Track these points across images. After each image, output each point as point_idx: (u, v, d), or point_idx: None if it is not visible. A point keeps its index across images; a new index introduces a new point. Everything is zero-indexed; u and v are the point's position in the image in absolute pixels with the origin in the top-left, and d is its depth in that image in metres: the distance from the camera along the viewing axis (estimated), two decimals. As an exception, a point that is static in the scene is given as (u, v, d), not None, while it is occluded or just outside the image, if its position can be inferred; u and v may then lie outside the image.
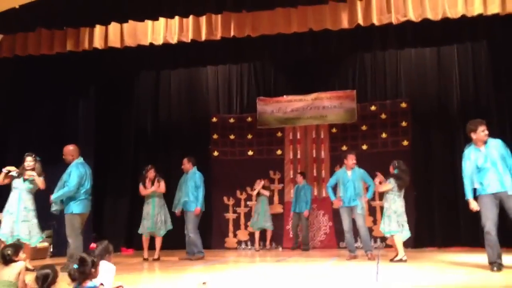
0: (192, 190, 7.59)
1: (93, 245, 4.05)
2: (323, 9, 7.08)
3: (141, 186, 7.94)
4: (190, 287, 4.44)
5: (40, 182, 6.46)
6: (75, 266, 3.53)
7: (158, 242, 7.87)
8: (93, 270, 3.58)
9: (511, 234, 7.19)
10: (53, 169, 6.77)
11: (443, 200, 8.93)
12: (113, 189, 9.66)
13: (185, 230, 7.68)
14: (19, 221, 6.31)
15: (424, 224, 8.93)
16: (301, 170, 9.71)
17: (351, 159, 7.23)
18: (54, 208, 6.37)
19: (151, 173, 7.95)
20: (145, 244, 7.86)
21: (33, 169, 6.47)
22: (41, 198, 6.63)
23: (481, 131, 5.40)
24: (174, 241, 8.37)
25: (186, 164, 7.82)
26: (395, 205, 6.78)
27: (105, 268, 4.03)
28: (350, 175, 7.18)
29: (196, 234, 7.57)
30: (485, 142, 5.41)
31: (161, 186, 7.90)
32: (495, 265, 5.16)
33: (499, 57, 8.35)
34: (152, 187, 7.85)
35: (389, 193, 6.82)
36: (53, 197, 6.29)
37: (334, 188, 7.41)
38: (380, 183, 6.99)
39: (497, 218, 5.26)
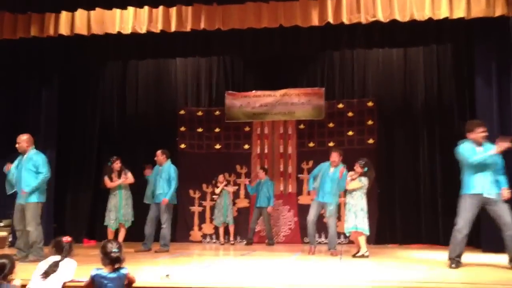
0: (166, 183, 7.58)
1: (68, 238, 4.06)
2: (294, 6, 7.12)
3: (106, 179, 7.82)
4: (154, 279, 4.40)
5: None
6: (115, 250, 3.67)
7: (122, 234, 7.78)
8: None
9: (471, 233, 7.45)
10: (12, 158, 6.59)
11: (405, 198, 9.14)
12: (76, 180, 9.43)
13: (147, 222, 7.64)
14: None
15: (386, 221, 9.12)
16: (268, 165, 9.75)
17: (333, 157, 7.20)
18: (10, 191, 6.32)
19: (117, 164, 7.86)
20: (111, 236, 7.78)
21: None
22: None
23: (480, 132, 5.38)
24: (132, 234, 8.32)
25: (160, 156, 7.77)
26: (362, 203, 6.90)
27: (66, 264, 3.98)
28: (332, 172, 7.18)
29: (169, 227, 7.55)
30: (482, 144, 5.39)
31: (129, 177, 7.89)
32: (454, 261, 5.32)
33: (462, 60, 8.60)
34: (120, 179, 7.76)
35: (356, 190, 6.92)
36: (28, 189, 6.16)
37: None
38: (353, 179, 7.05)
39: (473, 220, 5.33)
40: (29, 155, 6.29)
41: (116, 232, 7.88)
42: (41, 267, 3.89)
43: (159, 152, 7.80)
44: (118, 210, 7.78)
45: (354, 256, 6.81)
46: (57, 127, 8.73)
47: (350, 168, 7.18)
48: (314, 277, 4.93)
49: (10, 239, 7.93)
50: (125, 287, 3.80)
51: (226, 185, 9.45)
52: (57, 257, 3.96)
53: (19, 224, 6.28)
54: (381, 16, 6.96)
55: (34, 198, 6.22)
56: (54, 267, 3.87)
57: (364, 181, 6.92)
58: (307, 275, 5.10)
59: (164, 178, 7.59)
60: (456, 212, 5.48)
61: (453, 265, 5.30)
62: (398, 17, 6.94)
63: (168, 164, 7.73)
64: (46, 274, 3.84)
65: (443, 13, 6.84)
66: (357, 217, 6.84)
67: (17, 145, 6.35)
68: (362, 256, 6.73)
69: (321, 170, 7.29)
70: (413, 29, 7.53)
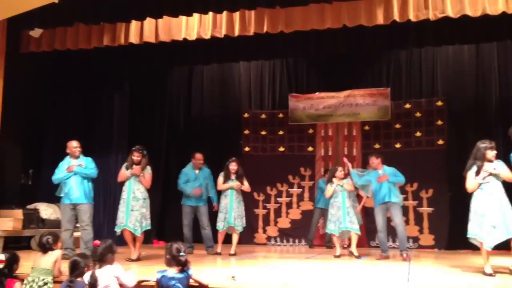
0: (211, 184, 7.88)
1: (97, 241, 4.15)
2: (357, 5, 6.99)
3: (219, 178, 7.62)
4: (219, 280, 4.47)
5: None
6: (183, 253, 3.81)
7: (235, 239, 7.49)
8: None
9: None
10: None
11: (478, 201, 8.68)
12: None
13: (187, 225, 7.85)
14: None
15: (458, 225, 8.69)
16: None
17: (371, 161, 7.25)
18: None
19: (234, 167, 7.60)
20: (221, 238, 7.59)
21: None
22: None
23: None
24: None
25: (202, 159, 7.94)
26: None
27: (112, 271, 3.94)
28: (382, 174, 7.06)
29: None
30: None
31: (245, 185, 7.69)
32: None
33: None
34: (234, 182, 7.53)
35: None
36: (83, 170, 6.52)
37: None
38: None
39: None
40: (81, 159, 6.64)
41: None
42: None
43: (201, 155, 7.93)
44: (228, 212, 7.45)
45: None
46: (128, 130, 9.12)
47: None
48: (382, 283, 4.80)
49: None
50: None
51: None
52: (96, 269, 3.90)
53: (70, 224, 6.52)
54: (450, 12, 6.66)
55: (91, 200, 6.56)
56: (92, 278, 3.79)
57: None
58: (374, 280, 4.97)
59: (209, 180, 7.85)
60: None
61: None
62: (469, 12, 6.61)
63: (205, 167, 7.94)
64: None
65: (518, 6, 6.45)
66: None
67: (77, 150, 6.62)
68: None
69: (371, 180, 7.15)
70: (486, 24, 7.15)
